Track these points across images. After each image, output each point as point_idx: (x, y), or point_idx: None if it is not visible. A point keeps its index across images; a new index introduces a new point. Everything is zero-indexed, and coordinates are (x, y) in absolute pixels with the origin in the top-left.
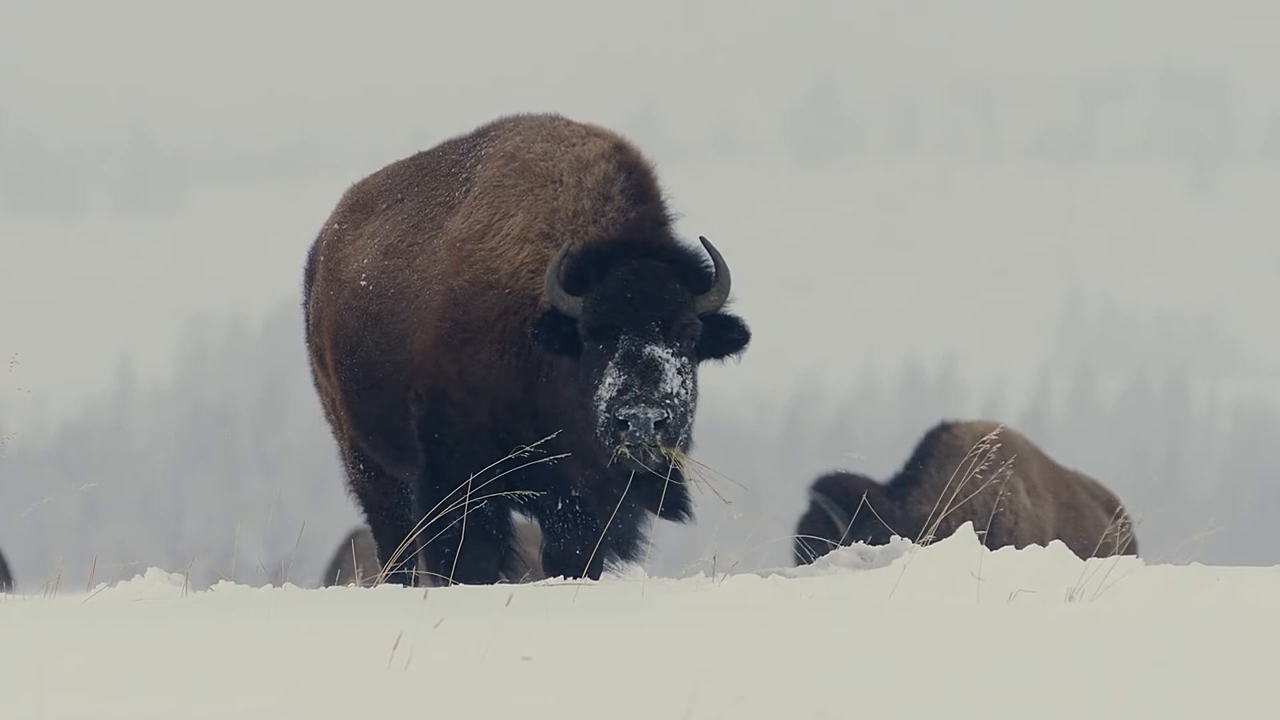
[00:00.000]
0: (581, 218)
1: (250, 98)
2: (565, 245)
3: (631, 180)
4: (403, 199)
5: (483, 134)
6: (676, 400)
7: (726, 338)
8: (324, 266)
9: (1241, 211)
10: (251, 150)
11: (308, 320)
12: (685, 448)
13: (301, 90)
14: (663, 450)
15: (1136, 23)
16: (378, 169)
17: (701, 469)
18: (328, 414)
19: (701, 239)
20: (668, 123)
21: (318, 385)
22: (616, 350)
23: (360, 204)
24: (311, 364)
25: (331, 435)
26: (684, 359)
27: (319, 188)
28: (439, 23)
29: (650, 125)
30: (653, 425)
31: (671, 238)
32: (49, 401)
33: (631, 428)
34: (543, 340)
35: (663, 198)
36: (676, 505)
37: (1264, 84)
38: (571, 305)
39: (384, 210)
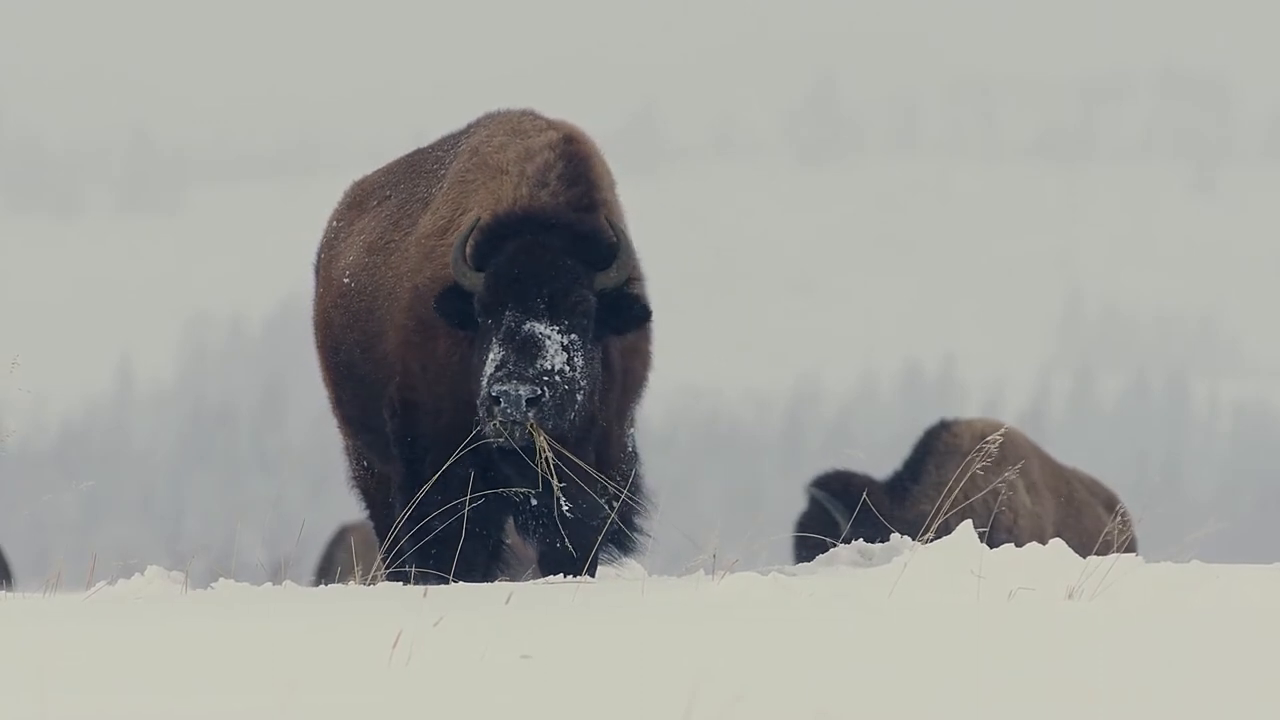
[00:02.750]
0: (519, 205)
1: (250, 97)
2: (472, 221)
3: (570, 167)
4: (390, 196)
5: (465, 131)
6: (558, 377)
7: (626, 314)
8: (322, 264)
9: (1242, 212)
10: (251, 150)
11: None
12: (579, 422)
13: (302, 90)
14: (529, 428)
15: (1137, 23)
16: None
17: (559, 454)
18: (333, 410)
19: (607, 217)
20: (668, 123)
21: (325, 381)
22: (501, 326)
23: (355, 201)
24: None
25: (337, 430)
26: (573, 335)
27: (319, 188)
28: (439, 22)
29: (650, 126)
30: (524, 401)
31: (573, 215)
32: (49, 401)
33: (503, 404)
34: (443, 314)
35: (598, 182)
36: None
37: (1264, 84)
38: (474, 281)
39: (374, 207)
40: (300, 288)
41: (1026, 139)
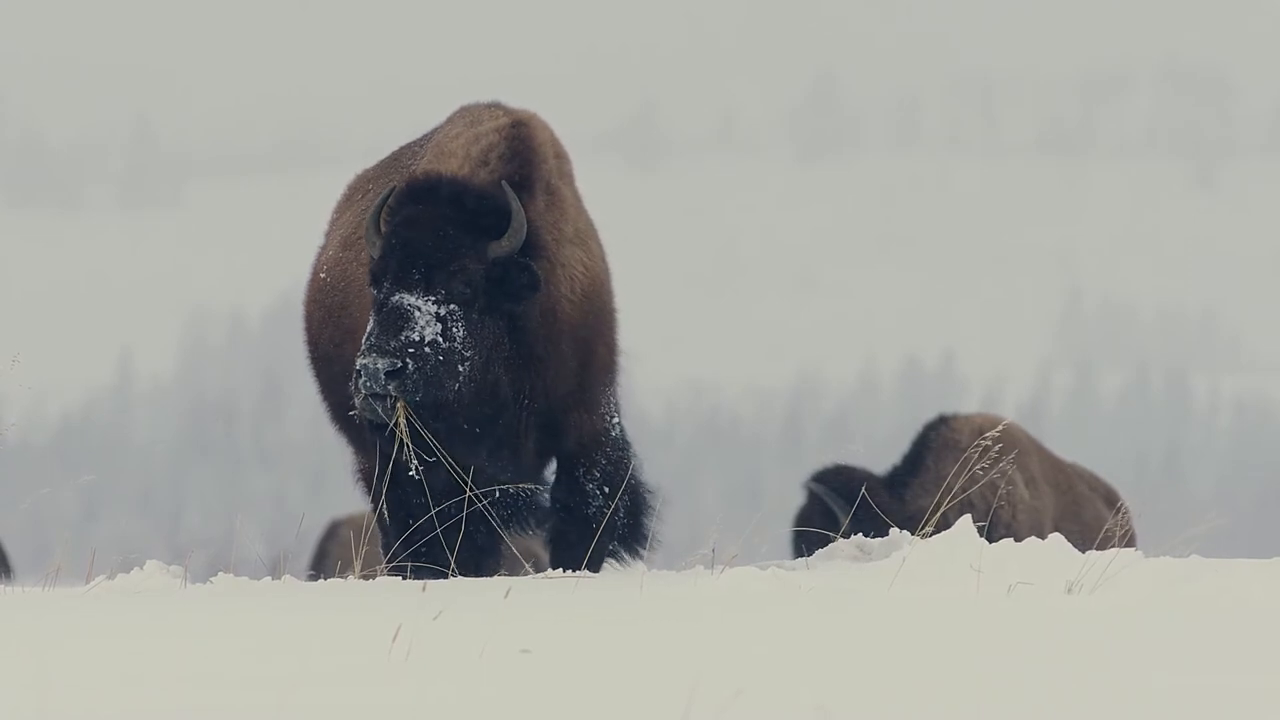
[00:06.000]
0: (419, 173)
1: (251, 93)
2: (384, 192)
3: (511, 146)
4: (371, 190)
5: (438, 127)
6: (427, 348)
7: (517, 283)
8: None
9: (1242, 207)
10: (252, 145)
11: None
12: (476, 394)
13: (303, 86)
14: (390, 399)
15: (1137, 18)
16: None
17: (419, 434)
18: (322, 403)
19: (501, 184)
20: (668, 120)
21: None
22: (378, 298)
23: (348, 195)
24: None
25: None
26: (451, 306)
27: (319, 183)
28: (441, 19)
29: (651, 123)
30: (382, 375)
31: (465, 183)
32: (49, 395)
33: (363, 377)
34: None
35: (539, 162)
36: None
37: (1266, 79)
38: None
39: (358, 201)
40: (299, 283)
41: (1027, 135)
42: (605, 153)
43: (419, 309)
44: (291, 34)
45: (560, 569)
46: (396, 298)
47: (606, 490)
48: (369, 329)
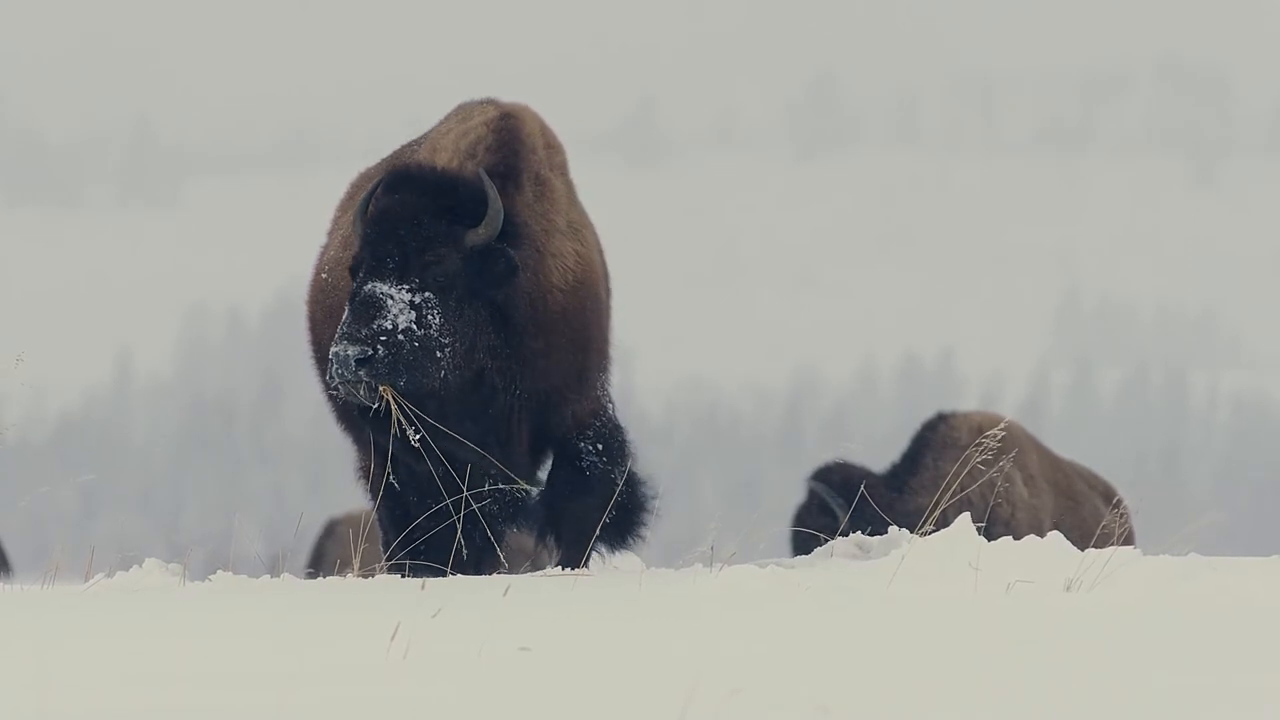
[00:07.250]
0: (398, 164)
1: (250, 90)
2: (370, 186)
3: (498, 138)
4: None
5: (435, 124)
6: (401, 335)
7: (495, 270)
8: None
9: (1242, 205)
10: (251, 143)
11: None
12: (460, 380)
13: (301, 83)
14: (366, 384)
15: (1137, 16)
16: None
17: (407, 412)
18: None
19: (479, 172)
20: (667, 116)
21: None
22: (354, 288)
23: (350, 194)
24: None
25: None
26: (426, 294)
27: (318, 181)
28: (439, 16)
29: (650, 119)
30: (353, 362)
31: (440, 172)
32: (48, 393)
33: (335, 365)
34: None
35: (526, 153)
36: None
37: (1265, 78)
38: None
39: (359, 200)
40: (298, 281)
41: (1026, 132)
42: (605, 151)
43: (392, 297)
44: (291, 33)
45: (557, 566)
46: (370, 287)
47: (599, 447)
48: (343, 318)
